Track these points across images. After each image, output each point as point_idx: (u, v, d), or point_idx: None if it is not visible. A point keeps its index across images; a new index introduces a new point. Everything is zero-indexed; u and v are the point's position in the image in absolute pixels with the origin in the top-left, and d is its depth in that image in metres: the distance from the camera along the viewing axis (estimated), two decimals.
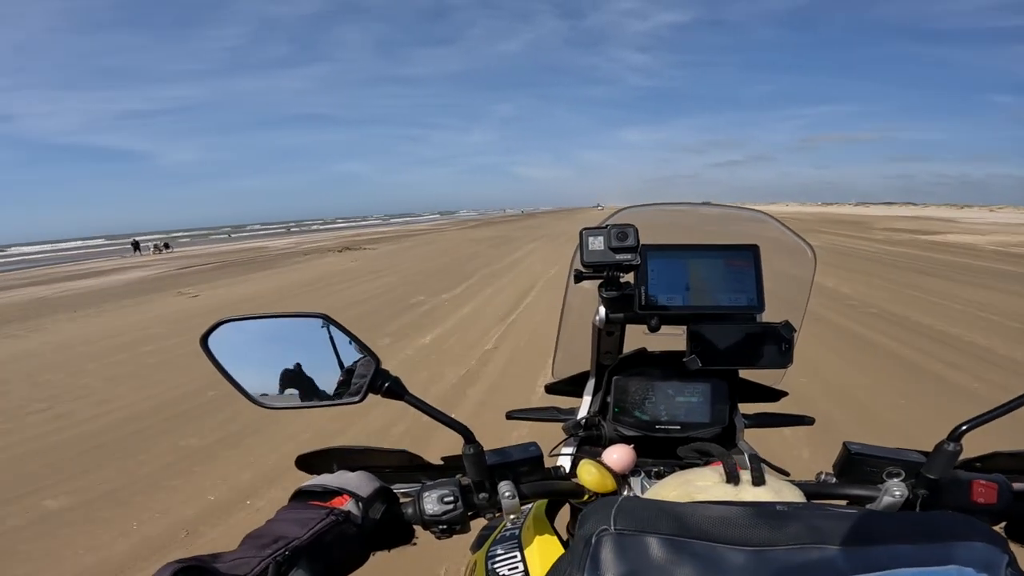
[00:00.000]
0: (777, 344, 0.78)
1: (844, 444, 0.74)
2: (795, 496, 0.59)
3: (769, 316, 0.82)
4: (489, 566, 0.81)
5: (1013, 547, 0.42)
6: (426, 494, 0.69)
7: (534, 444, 0.75)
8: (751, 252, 0.82)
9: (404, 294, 9.71)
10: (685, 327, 0.81)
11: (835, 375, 4.46)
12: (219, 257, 24.94)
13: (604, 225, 0.72)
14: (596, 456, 0.75)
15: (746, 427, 0.91)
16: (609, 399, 0.90)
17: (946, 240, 18.82)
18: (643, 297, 0.81)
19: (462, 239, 26.99)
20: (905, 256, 13.87)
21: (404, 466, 0.80)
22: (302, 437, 3.77)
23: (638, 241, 0.70)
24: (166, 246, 35.87)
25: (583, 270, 0.74)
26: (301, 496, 0.67)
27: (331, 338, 0.67)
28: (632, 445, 0.77)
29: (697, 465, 0.72)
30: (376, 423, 3.88)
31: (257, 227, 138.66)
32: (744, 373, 0.92)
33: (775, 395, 1.03)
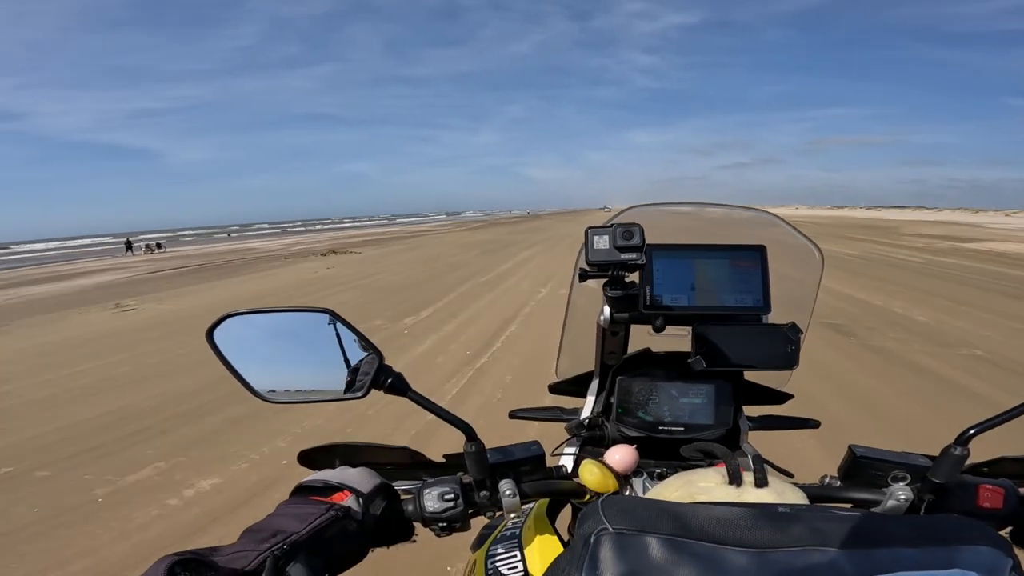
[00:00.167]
0: (784, 346, 0.77)
1: (849, 447, 0.73)
2: (798, 498, 0.58)
3: (776, 318, 0.82)
4: (489, 565, 0.81)
5: (1018, 551, 0.42)
6: (427, 491, 0.69)
7: (536, 443, 0.75)
8: (758, 253, 0.82)
9: (361, 316, 7.66)
10: (690, 328, 0.80)
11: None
12: (204, 259, 23.88)
13: (609, 224, 0.72)
14: (598, 456, 0.75)
15: (750, 429, 0.90)
16: (613, 399, 0.90)
17: (991, 249, 17.08)
18: (648, 297, 0.80)
19: (454, 243, 25.20)
20: (962, 269, 11.94)
21: (405, 463, 0.80)
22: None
23: (644, 240, 0.70)
24: (158, 246, 35.43)
25: (588, 269, 0.74)
26: (302, 491, 0.66)
27: (336, 334, 0.67)
28: (635, 446, 0.77)
29: (699, 466, 0.72)
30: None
31: (265, 226, 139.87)
32: (750, 375, 0.91)
33: (781, 397, 1.03)
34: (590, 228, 0.71)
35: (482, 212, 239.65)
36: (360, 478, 0.68)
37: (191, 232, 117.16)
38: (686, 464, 0.79)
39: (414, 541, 0.71)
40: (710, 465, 0.68)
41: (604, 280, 0.75)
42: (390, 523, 0.67)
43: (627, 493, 0.75)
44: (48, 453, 3.77)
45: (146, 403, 4.69)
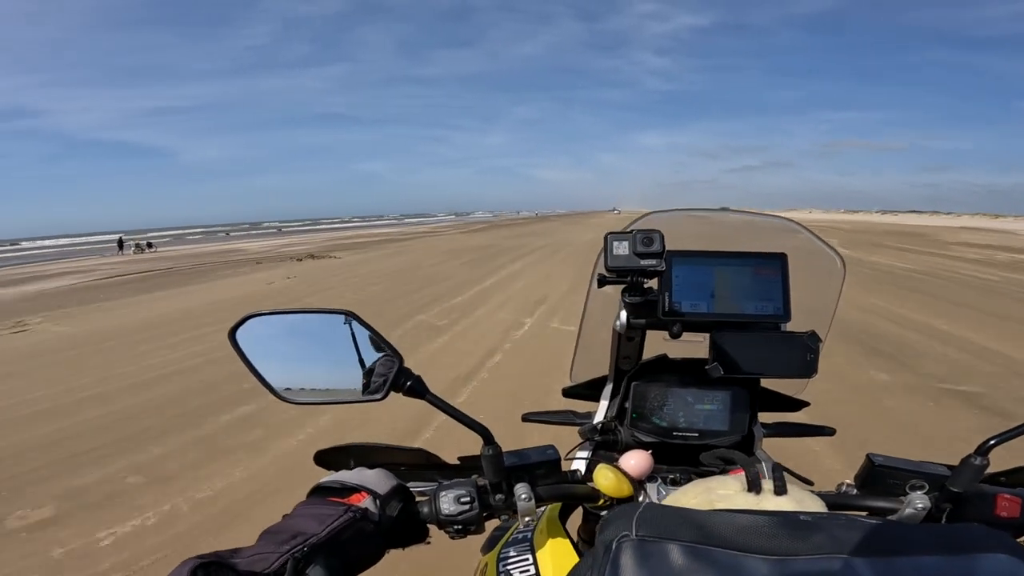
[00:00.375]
0: (802, 354, 0.76)
1: (868, 455, 0.73)
2: (817, 507, 0.58)
3: (794, 326, 0.81)
4: (501, 568, 0.80)
5: None
6: (443, 493, 0.69)
7: (552, 447, 0.75)
8: (779, 261, 0.81)
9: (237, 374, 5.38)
10: (706, 334, 0.80)
11: None
12: (176, 262, 22.35)
13: (629, 230, 0.73)
14: (612, 461, 0.75)
15: (764, 436, 0.90)
16: (627, 404, 0.89)
17: None
18: (667, 303, 0.79)
19: (445, 248, 22.67)
20: None
21: (420, 464, 0.80)
22: None
23: (664, 247, 0.70)
24: (149, 245, 35.15)
25: (607, 275, 0.74)
26: (319, 492, 0.67)
27: (352, 334, 0.67)
28: (650, 451, 0.77)
29: (714, 472, 0.73)
30: None
31: (276, 224, 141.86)
32: (766, 382, 0.90)
33: (797, 405, 1.01)
34: (610, 234, 0.72)
35: (491, 213, 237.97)
36: (377, 479, 0.69)
37: (201, 229, 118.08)
38: (699, 470, 0.80)
39: (428, 543, 0.71)
40: (721, 472, 0.71)
41: (623, 286, 0.76)
42: (406, 525, 0.67)
43: (641, 499, 0.75)
44: None
45: None
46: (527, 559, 0.78)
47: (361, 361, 0.66)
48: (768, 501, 0.56)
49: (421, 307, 8.69)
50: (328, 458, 0.78)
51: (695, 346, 0.83)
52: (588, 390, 1.01)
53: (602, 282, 0.75)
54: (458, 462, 0.80)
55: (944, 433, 3.65)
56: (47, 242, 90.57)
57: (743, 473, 0.60)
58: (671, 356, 0.88)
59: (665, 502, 0.66)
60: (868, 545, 0.40)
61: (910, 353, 5.66)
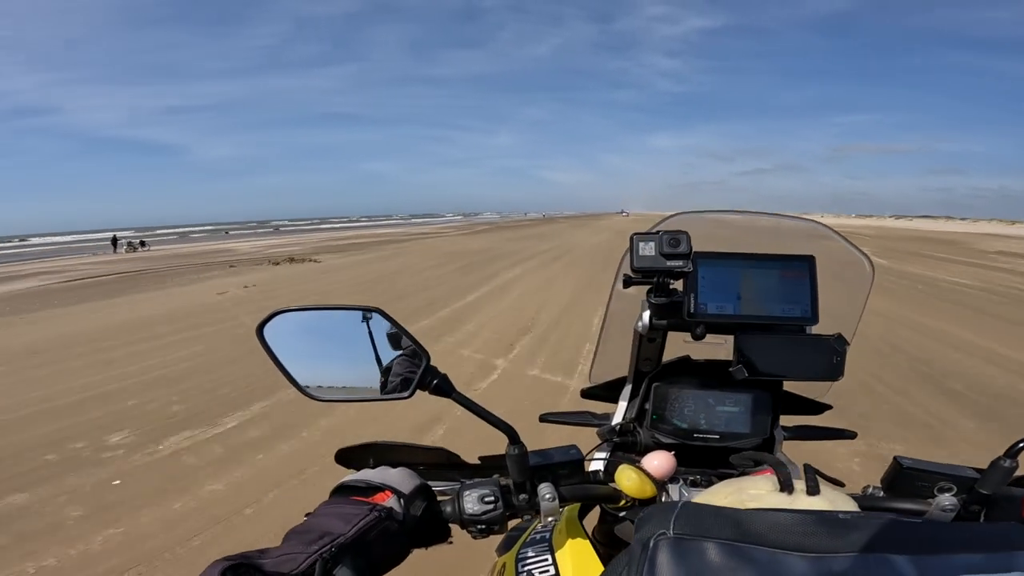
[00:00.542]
0: (829, 356, 0.76)
1: (895, 458, 0.73)
2: (849, 507, 0.57)
3: (821, 329, 0.80)
4: (520, 568, 0.79)
5: None
6: (466, 493, 0.68)
7: (575, 447, 0.75)
8: (807, 263, 0.80)
9: (159, 407, 4.35)
10: (730, 336, 0.79)
11: None
12: (155, 263, 21.37)
13: (656, 231, 0.73)
14: (632, 462, 0.75)
15: (785, 439, 0.90)
16: (647, 406, 0.89)
17: None
18: (692, 305, 0.79)
19: (441, 251, 21.10)
20: None
21: (441, 464, 0.80)
22: None
23: (690, 248, 0.70)
24: (142, 244, 35.14)
25: (633, 275, 0.74)
26: (343, 491, 0.67)
27: (370, 333, 0.67)
28: (672, 452, 0.76)
29: (732, 474, 0.73)
30: None
31: (283, 222, 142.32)
32: (788, 385, 0.89)
33: (819, 408, 1.01)
34: (636, 234, 0.72)
35: (498, 214, 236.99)
36: (400, 479, 0.68)
37: (210, 227, 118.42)
38: (719, 472, 0.82)
39: (450, 542, 0.70)
40: (742, 473, 0.69)
41: (647, 287, 0.76)
42: (429, 524, 0.67)
43: (663, 499, 0.75)
44: None
45: None
46: (546, 559, 0.78)
47: (378, 359, 0.67)
48: (801, 501, 0.56)
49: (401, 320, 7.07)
50: (349, 456, 0.79)
51: (715, 348, 0.83)
52: (606, 391, 1.01)
53: (628, 283, 0.76)
54: (479, 461, 0.80)
55: None
56: (56, 238, 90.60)
57: (770, 474, 0.60)
58: (694, 358, 0.88)
59: (695, 501, 0.67)
60: (907, 543, 0.40)
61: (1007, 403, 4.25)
